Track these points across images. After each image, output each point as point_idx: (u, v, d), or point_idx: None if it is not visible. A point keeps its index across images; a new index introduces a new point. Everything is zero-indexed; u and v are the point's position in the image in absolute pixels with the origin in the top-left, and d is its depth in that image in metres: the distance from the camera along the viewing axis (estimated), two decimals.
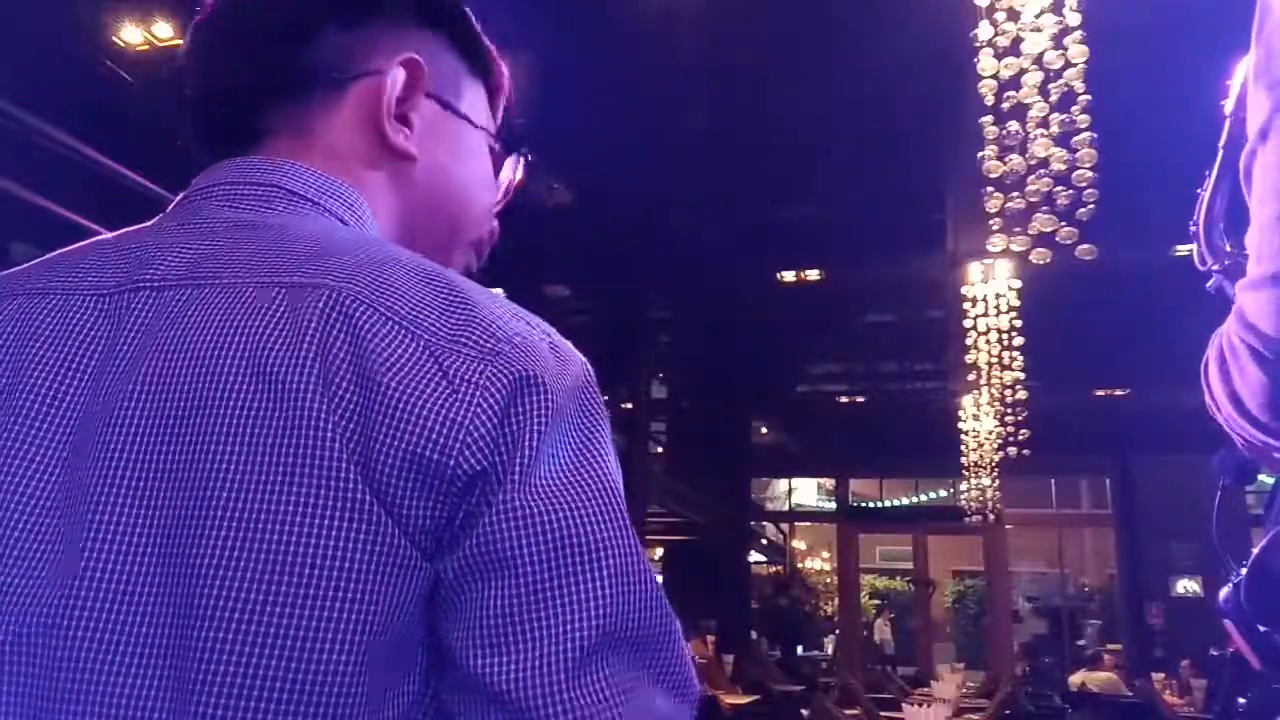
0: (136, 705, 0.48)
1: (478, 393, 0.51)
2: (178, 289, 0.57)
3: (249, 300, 0.54)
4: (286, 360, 0.51)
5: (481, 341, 0.53)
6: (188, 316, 0.55)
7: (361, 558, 0.48)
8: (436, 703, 0.51)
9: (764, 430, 14.05)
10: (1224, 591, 0.85)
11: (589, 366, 0.58)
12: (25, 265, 0.64)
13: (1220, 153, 0.89)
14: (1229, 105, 0.85)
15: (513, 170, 0.79)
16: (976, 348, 6.93)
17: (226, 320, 0.54)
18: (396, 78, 0.68)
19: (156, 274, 0.58)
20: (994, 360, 6.87)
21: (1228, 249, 0.89)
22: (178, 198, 0.67)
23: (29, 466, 0.54)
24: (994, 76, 3.77)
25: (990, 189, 4.16)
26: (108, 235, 0.65)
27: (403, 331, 0.52)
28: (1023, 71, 3.72)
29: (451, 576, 0.50)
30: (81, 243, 0.65)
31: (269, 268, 0.56)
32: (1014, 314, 6.73)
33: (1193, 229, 0.92)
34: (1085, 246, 4.06)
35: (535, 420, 0.52)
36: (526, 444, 0.51)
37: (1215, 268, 0.90)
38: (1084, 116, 3.74)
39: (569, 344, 0.58)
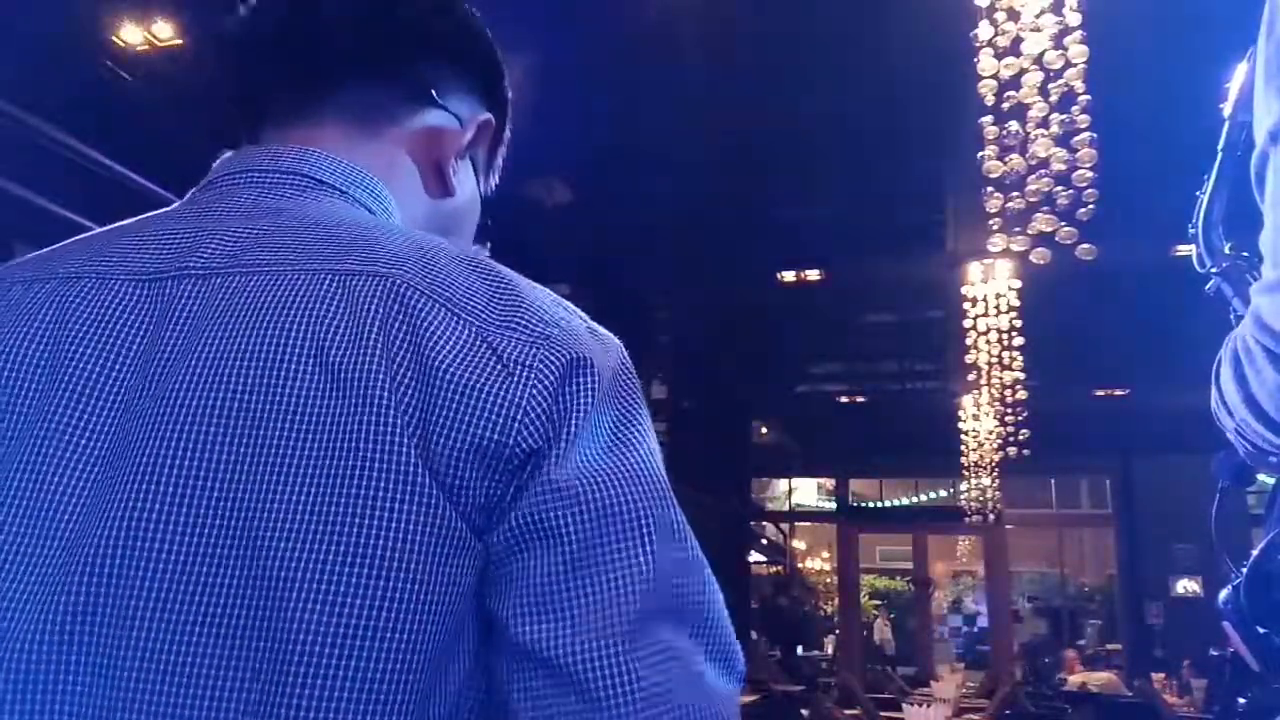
0: (212, 691, 0.48)
1: (532, 375, 0.53)
2: (225, 275, 0.58)
3: (301, 288, 0.56)
4: (351, 350, 0.53)
5: (531, 326, 0.55)
6: (239, 305, 0.56)
7: (423, 540, 0.50)
8: (487, 677, 0.53)
9: (764, 430, 14.04)
10: (1224, 593, 0.85)
11: (625, 352, 0.60)
12: (49, 249, 0.64)
13: (1219, 155, 0.89)
14: (1228, 108, 0.85)
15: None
16: (976, 348, 6.93)
17: (283, 309, 0.55)
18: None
19: (199, 261, 0.59)
20: (994, 360, 6.87)
21: (1227, 251, 0.89)
22: (201, 182, 0.68)
23: (73, 454, 0.54)
24: (994, 76, 3.77)
25: (990, 189, 4.16)
26: (129, 221, 0.65)
27: (455, 318, 0.54)
28: (1023, 71, 3.72)
29: (500, 549, 0.52)
30: (103, 228, 0.65)
31: (313, 255, 0.57)
32: (1014, 314, 6.73)
33: (1192, 231, 0.92)
34: (1085, 246, 4.06)
35: (583, 399, 0.54)
36: (573, 421, 0.53)
37: (1214, 270, 0.90)
38: (1084, 116, 3.74)
39: (607, 332, 0.60)
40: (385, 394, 0.51)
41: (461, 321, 0.54)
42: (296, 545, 0.49)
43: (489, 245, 0.84)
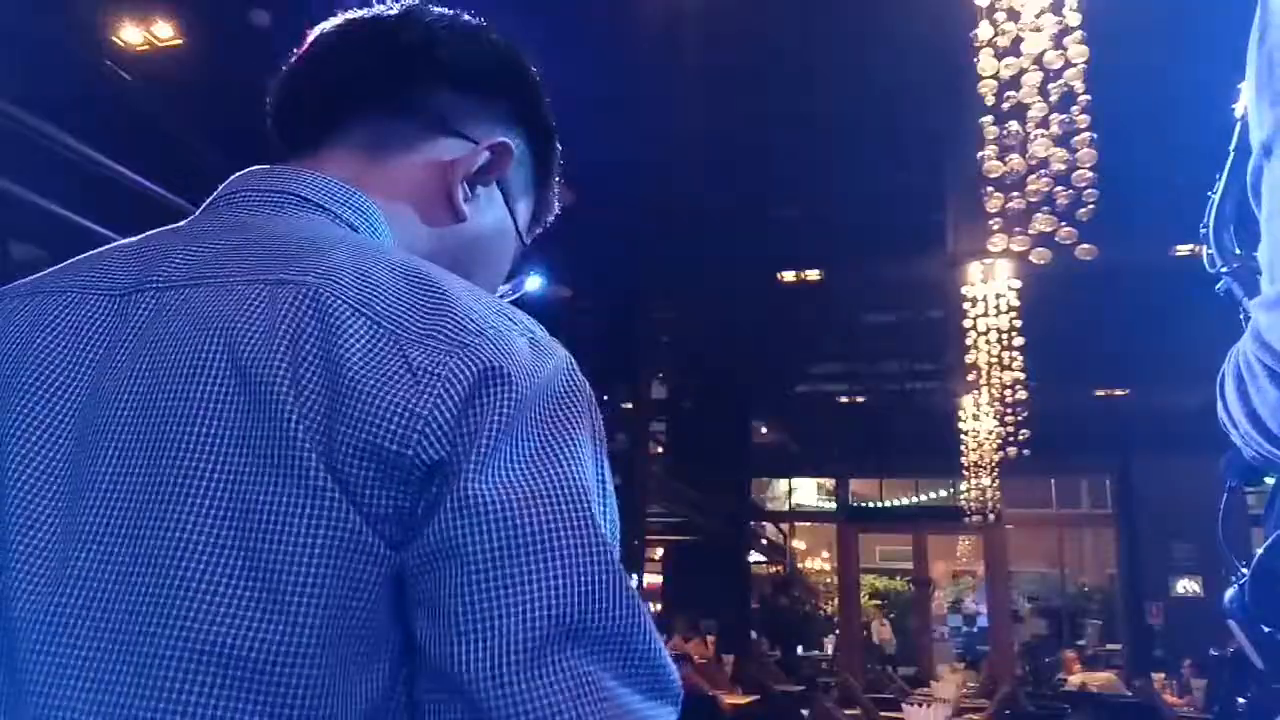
0: (104, 692, 0.50)
1: (439, 384, 0.52)
2: (178, 289, 0.59)
3: (235, 297, 0.57)
4: (259, 354, 0.53)
5: (451, 334, 0.54)
6: (179, 315, 0.58)
7: (323, 543, 0.50)
8: (408, 693, 0.52)
9: (764, 430, 14.04)
10: (1229, 592, 0.85)
11: (573, 367, 0.58)
12: (52, 268, 0.68)
13: (1231, 155, 0.88)
14: (1239, 109, 0.85)
15: (514, 284, 0.84)
16: (976, 348, 6.93)
17: (211, 317, 0.56)
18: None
19: (162, 274, 0.61)
20: (994, 360, 6.87)
21: (1237, 252, 0.89)
22: (207, 201, 0.71)
23: (31, 458, 0.56)
24: (994, 76, 3.77)
25: (990, 189, 4.16)
26: (132, 238, 0.68)
27: (373, 325, 0.54)
28: (1023, 71, 3.72)
29: (414, 565, 0.51)
30: (110, 244, 0.68)
31: (259, 267, 0.59)
32: (1014, 314, 6.73)
33: (1203, 231, 0.92)
34: (1085, 246, 4.06)
35: (496, 412, 0.53)
36: (484, 435, 0.52)
37: (1225, 270, 0.89)
38: (1084, 116, 3.74)
39: (555, 344, 0.59)
40: (288, 397, 0.51)
41: (380, 330, 0.54)
42: (201, 553, 0.50)
43: (526, 277, 0.84)
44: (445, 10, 0.76)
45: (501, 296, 0.82)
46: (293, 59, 0.76)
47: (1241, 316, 0.86)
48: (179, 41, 5.19)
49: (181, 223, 0.69)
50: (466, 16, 0.77)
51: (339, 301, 0.55)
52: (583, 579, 0.51)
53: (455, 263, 0.74)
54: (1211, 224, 0.90)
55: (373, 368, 0.52)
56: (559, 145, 0.82)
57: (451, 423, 0.52)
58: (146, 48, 5.17)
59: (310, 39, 0.76)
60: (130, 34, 5.13)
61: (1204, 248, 0.91)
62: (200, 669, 0.48)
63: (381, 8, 0.76)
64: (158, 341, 0.57)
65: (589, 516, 0.53)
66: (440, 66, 0.74)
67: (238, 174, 0.71)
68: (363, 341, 0.53)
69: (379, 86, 0.73)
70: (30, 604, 0.52)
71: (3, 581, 0.53)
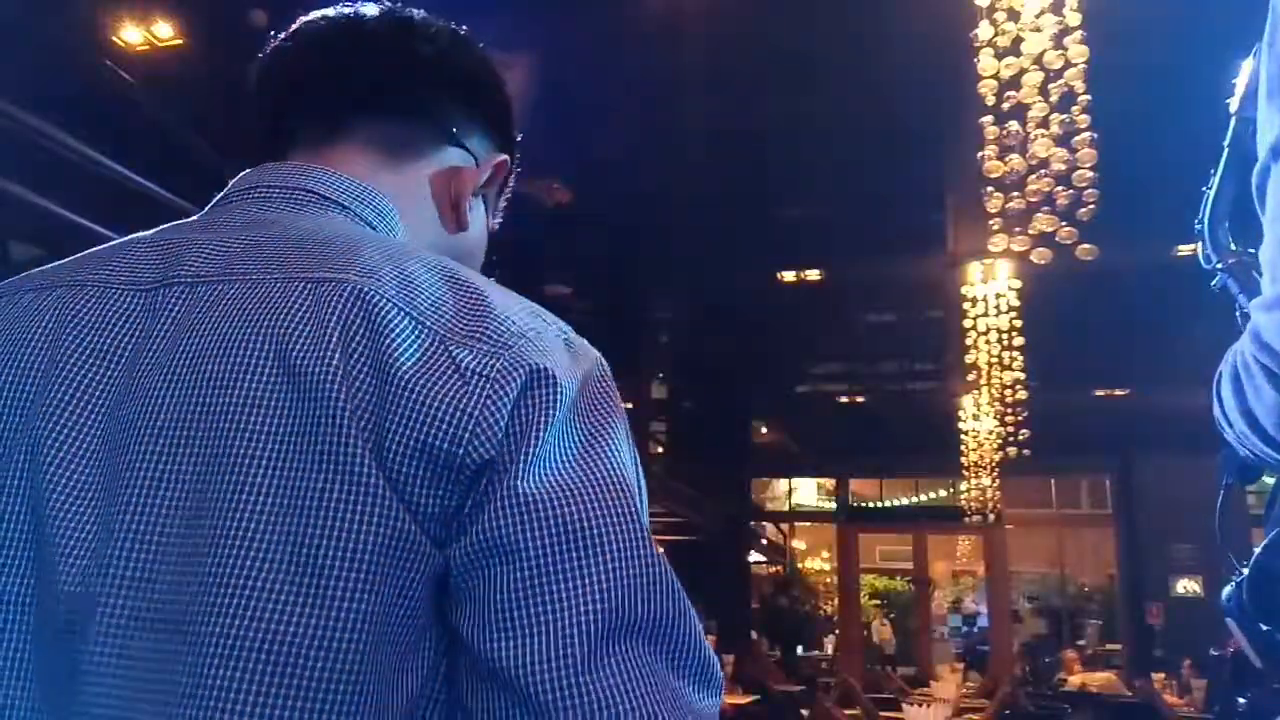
0: (155, 686, 0.49)
1: (488, 385, 0.53)
2: (210, 284, 0.59)
3: (275, 294, 0.57)
4: (310, 352, 0.53)
5: (494, 336, 0.55)
6: (217, 310, 0.58)
7: (373, 541, 0.50)
8: (446, 688, 0.53)
9: (764, 430, 14.04)
10: (1227, 591, 0.85)
11: (605, 364, 0.60)
12: (61, 261, 0.67)
13: (1225, 151, 0.89)
14: (1234, 104, 0.85)
15: None
16: (976, 348, 6.93)
17: (253, 313, 0.56)
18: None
19: (190, 270, 0.61)
20: (994, 360, 6.87)
21: (1233, 247, 0.89)
22: (215, 198, 0.70)
23: (67, 450, 0.56)
24: (994, 76, 3.77)
25: (990, 189, 4.16)
26: (145, 232, 0.67)
27: (419, 326, 0.55)
28: (1023, 71, 3.72)
29: (461, 563, 0.52)
30: (118, 239, 0.67)
31: (294, 264, 0.59)
32: (1014, 314, 6.73)
33: (1198, 227, 0.92)
34: (1085, 246, 4.06)
35: (543, 411, 0.54)
36: (534, 434, 0.53)
37: (1220, 266, 0.90)
38: (1084, 116, 3.74)
39: (586, 344, 0.61)
40: (340, 396, 0.52)
41: (425, 330, 0.55)
42: (251, 546, 0.50)
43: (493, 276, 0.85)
44: (451, 25, 0.79)
45: None
46: (286, 45, 0.75)
47: (1237, 313, 0.86)
48: (179, 41, 5.19)
49: (194, 218, 0.69)
50: (463, 29, 0.80)
51: (384, 301, 0.55)
52: (633, 573, 0.52)
53: None
54: (1207, 220, 0.91)
55: (422, 368, 0.53)
56: (517, 163, 0.85)
57: (503, 422, 0.53)
58: (146, 48, 5.17)
59: (307, 29, 0.76)
60: (130, 34, 5.13)
61: (1198, 244, 0.91)
62: (247, 662, 0.48)
63: (375, 8, 0.76)
64: (196, 337, 0.57)
65: (635, 511, 0.55)
66: (453, 79, 0.76)
67: (250, 169, 0.71)
68: (411, 342, 0.54)
69: (397, 92, 0.74)
70: (70, 607, 0.52)
71: (47, 581, 0.53)
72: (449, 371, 0.53)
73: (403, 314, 0.55)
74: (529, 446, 0.53)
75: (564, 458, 0.54)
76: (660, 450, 12.00)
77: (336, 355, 0.53)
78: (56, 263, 0.66)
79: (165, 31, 5.15)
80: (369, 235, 0.64)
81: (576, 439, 0.55)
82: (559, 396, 0.54)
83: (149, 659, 0.50)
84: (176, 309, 0.59)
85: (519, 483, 0.52)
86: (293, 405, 0.52)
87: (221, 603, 0.49)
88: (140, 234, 0.67)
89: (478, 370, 0.54)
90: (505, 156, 0.80)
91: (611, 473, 0.55)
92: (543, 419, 0.54)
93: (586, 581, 0.51)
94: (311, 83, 0.74)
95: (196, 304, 0.59)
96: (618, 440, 0.57)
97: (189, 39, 5.20)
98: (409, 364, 0.53)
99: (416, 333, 0.54)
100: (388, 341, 0.54)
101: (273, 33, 0.77)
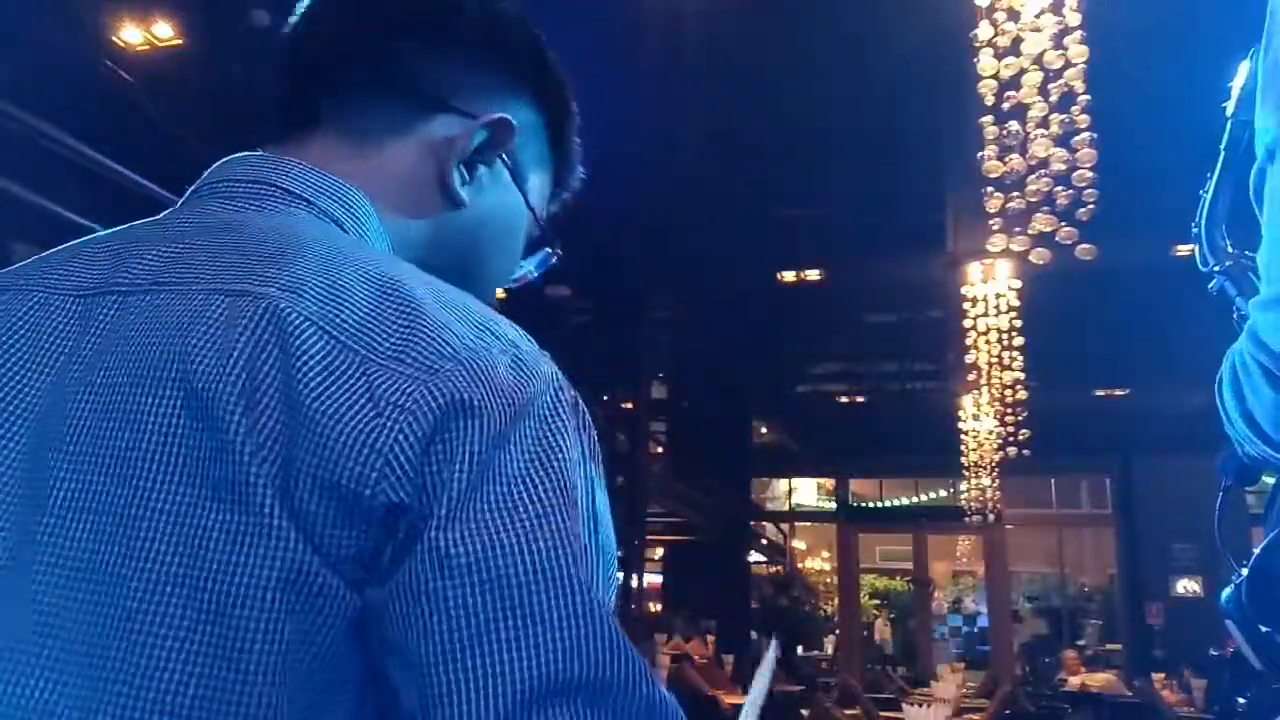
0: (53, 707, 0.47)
1: (402, 416, 0.48)
2: (140, 294, 0.56)
3: (191, 309, 0.53)
4: (213, 376, 0.49)
5: (422, 358, 0.50)
6: (138, 324, 0.54)
7: (277, 583, 0.46)
8: None
9: (764, 430, 14.05)
10: (1226, 592, 0.85)
11: (560, 385, 0.54)
12: (26, 261, 0.64)
13: (1222, 154, 0.89)
14: (1230, 107, 0.85)
15: (535, 261, 0.78)
16: (976, 348, 6.93)
17: (165, 330, 0.53)
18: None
19: (125, 278, 0.57)
20: (994, 360, 6.87)
21: (1229, 250, 0.89)
22: (190, 189, 0.67)
23: None
24: (994, 76, 3.77)
25: (990, 189, 4.16)
26: (105, 231, 0.64)
27: (338, 346, 0.50)
28: (1023, 71, 3.72)
29: (384, 612, 0.47)
30: (86, 237, 0.64)
31: (223, 274, 0.55)
32: (1014, 314, 6.74)
33: (1195, 230, 0.92)
34: (1085, 246, 4.06)
35: (467, 448, 0.48)
36: (455, 477, 0.48)
37: (1217, 268, 0.90)
38: (1084, 116, 3.74)
39: (540, 360, 0.54)
40: (239, 424, 0.48)
41: (345, 351, 0.49)
42: (147, 586, 0.47)
43: (554, 257, 0.77)
44: None
45: (521, 276, 0.78)
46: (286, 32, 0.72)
47: (1234, 315, 0.86)
48: (179, 41, 5.19)
49: (161, 214, 0.65)
50: None
51: (301, 319, 0.50)
52: (567, 636, 0.47)
53: (459, 252, 0.70)
54: (1204, 223, 0.91)
55: (333, 395, 0.48)
56: (574, 106, 0.75)
57: (414, 461, 0.47)
58: (146, 48, 5.18)
59: (299, 12, 0.72)
60: (130, 34, 5.13)
61: (1196, 246, 0.91)
62: (148, 712, 0.45)
63: None
64: (114, 355, 0.53)
65: (576, 561, 0.49)
66: (427, 31, 0.68)
67: (221, 161, 0.67)
68: (324, 365, 0.49)
69: (361, 58, 0.67)
70: None
71: None
72: (363, 400, 0.48)
73: (321, 333, 0.50)
74: (448, 490, 0.47)
75: (492, 505, 0.48)
76: (660, 450, 12.00)
77: (239, 381, 0.49)
78: (25, 262, 0.64)
79: (165, 31, 5.15)
80: (323, 238, 0.59)
81: (512, 480, 0.49)
82: (486, 431, 0.49)
83: (50, 685, 0.47)
84: (105, 320, 0.55)
85: (439, 534, 0.46)
86: (194, 433, 0.49)
87: (119, 651, 0.46)
88: (104, 232, 0.64)
89: (393, 400, 0.48)
90: (501, 115, 0.68)
91: (548, 522, 0.49)
92: (464, 459, 0.48)
93: (515, 647, 0.46)
94: (293, 62, 0.70)
95: (124, 316, 0.55)
96: (563, 473, 0.51)
97: (189, 39, 5.20)
98: (320, 391, 0.48)
99: (333, 355, 0.49)
100: (300, 364, 0.49)
101: (265, 18, 0.74)
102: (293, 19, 0.71)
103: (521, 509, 0.48)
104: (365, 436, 0.47)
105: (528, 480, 0.49)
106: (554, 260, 0.79)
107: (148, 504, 0.48)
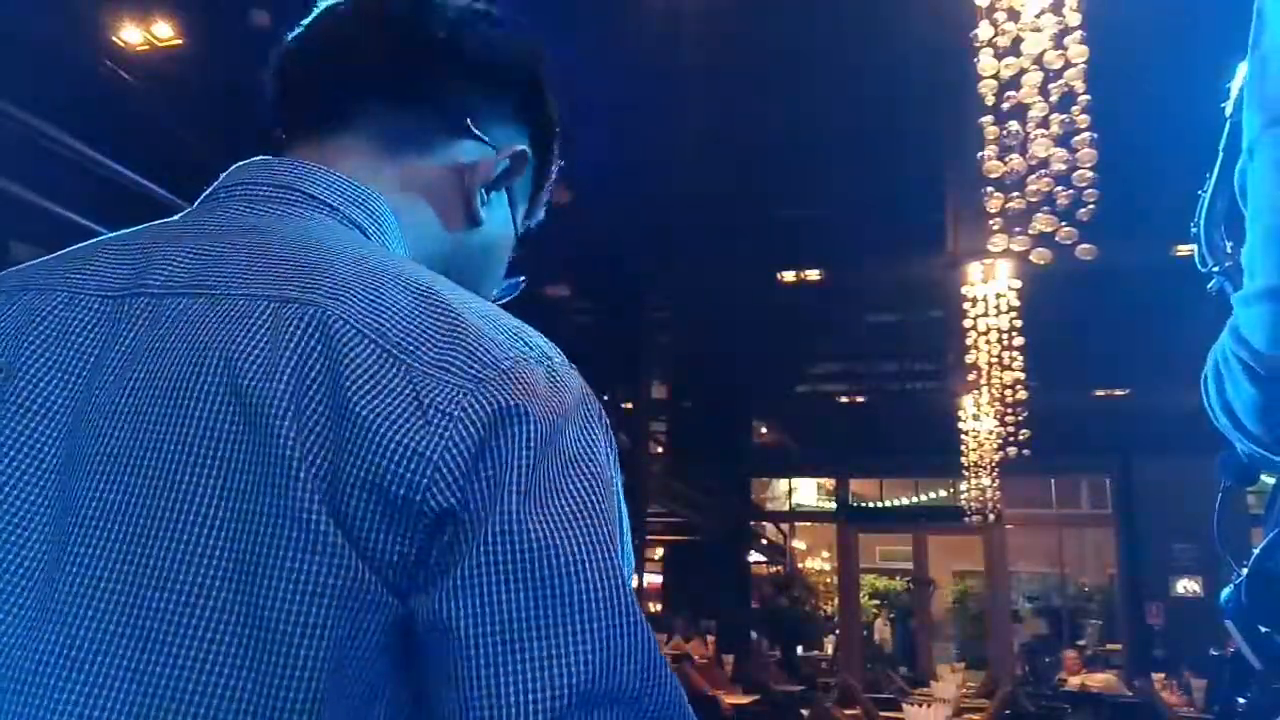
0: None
1: (451, 425, 0.49)
2: (175, 296, 0.56)
3: (235, 314, 0.53)
4: (261, 381, 0.50)
5: (466, 367, 0.51)
6: (178, 327, 0.54)
7: (321, 588, 0.46)
8: None
9: (764, 430, 14.05)
10: (1225, 592, 0.85)
11: (591, 396, 0.55)
12: (43, 259, 0.63)
13: (1220, 155, 0.89)
14: (1229, 107, 0.85)
15: (508, 286, 0.81)
16: (976, 348, 6.93)
17: (210, 334, 0.53)
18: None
19: (158, 280, 0.57)
20: (994, 360, 6.87)
21: (1229, 250, 0.89)
22: (205, 192, 0.67)
23: (23, 467, 0.52)
24: (994, 76, 3.77)
25: (990, 189, 4.16)
26: (125, 231, 0.64)
27: (384, 354, 0.50)
28: (1023, 71, 3.72)
29: (428, 617, 0.47)
30: (99, 237, 0.64)
31: (263, 279, 0.55)
32: (1014, 314, 6.73)
33: (1194, 230, 0.92)
34: (1085, 246, 4.05)
35: (518, 455, 0.49)
36: (505, 481, 0.49)
37: (1216, 269, 0.89)
38: (1084, 116, 3.74)
39: (570, 371, 0.55)
40: (288, 430, 0.48)
41: (390, 359, 0.50)
42: (192, 589, 0.47)
43: (523, 281, 0.81)
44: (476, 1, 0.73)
45: (500, 296, 0.80)
46: (299, 33, 0.71)
47: (1234, 316, 0.86)
48: (179, 41, 5.19)
49: (177, 216, 0.65)
50: (489, 6, 0.73)
51: (347, 327, 0.51)
52: (613, 639, 0.48)
53: (465, 268, 0.71)
54: (1202, 223, 0.91)
55: (381, 403, 0.49)
56: (558, 146, 0.79)
57: (464, 469, 0.48)
58: (146, 48, 5.18)
59: (318, 14, 0.72)
60: (130, 34, 5.13)
61: (1195, 246, 0.91)
62: (191, 712, 0.45)
63: None
64: (154, 356, 0.53)
65: (616, 573, 0.50)
66: (462, 61, 0.70)
67: (239, 164, 0.67)
68: (371, 372, 0.49)
69: (397, 78, 0.69)
70: (10, 639, 0.49)
71: None
72: (410, 407, 0.49)
73: (368, 341, 0.51)
74: (499, 495, 0.48)
75: (540, 505, 0.49)
76: (660, 450, 12.00)
77: (289, 387, 0.49)
78: (36, 261, 0.63)
79: (165, 31, 5.15)
80: (352, 244, 0.60)
81: (555, 484, 0.50)
82: (530, 438, 0.50)
83: (90, 698, 0.47)
84: (139, 322, 0.55)
85: (490, 537, 0.47)
86: (242, 437, 0.49)
87: (162, 652, 0.46)
88: (122, 232, 0.63)
89: (441, 407, 0.49)
90: (524, 147, 0.72)
91: (594, 523, 0.50)
92: (514, 462, 0.49)
93: (559, 652, 0.47)
94: (315, 68, 0.70)
95: (159, 318, 0.55)
96: (601, 484, 0.52)
97: (189, 39, 5.20)
98: (368, 399, 0.49)
99: (381, 362, 0.50)
100: (348, 371, 0.49)
101: (264, 18, 0.74)
102: (315, 19, 0.72)
103: (570, 515, 0.49)
104: (414, 443, 0.48)
105: (573, 488, 0.51)
106: (521, 286, 0.82)
107: (193, 505, 0.48)
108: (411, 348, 0.51)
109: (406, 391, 0.49)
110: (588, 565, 0.49)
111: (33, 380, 0.55)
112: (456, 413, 0.49)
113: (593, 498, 0.51)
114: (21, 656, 0.49)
